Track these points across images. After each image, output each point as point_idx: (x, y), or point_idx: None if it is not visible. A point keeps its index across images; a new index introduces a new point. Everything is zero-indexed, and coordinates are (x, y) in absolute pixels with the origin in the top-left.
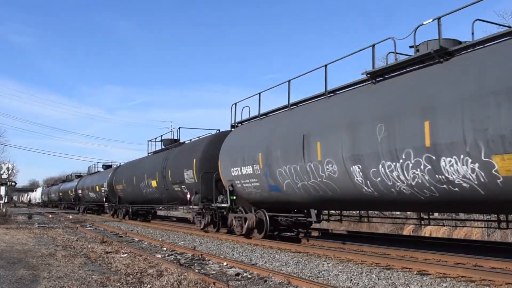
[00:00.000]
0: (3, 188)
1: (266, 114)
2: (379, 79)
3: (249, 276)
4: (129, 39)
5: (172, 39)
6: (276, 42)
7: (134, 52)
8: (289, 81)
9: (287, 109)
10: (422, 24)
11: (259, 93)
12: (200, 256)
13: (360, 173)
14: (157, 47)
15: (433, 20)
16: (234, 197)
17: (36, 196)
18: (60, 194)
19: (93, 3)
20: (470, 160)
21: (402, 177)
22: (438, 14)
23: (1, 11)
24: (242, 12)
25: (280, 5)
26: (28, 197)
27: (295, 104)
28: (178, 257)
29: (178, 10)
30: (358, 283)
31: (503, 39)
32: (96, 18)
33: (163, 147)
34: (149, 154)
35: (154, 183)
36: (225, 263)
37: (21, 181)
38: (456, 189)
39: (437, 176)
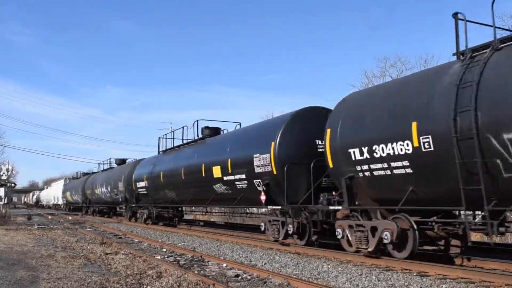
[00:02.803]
0: (2, 189)
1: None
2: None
3: (249, 277)
4: (129, 39)
5: (172, 39)
6: (278, 42)
7: (134, 53)
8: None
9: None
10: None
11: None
12: (200, 257)
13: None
14: (157, 47)
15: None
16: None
17: (53, 195)
18: (130, 189)
19: (93, 3)
20: None
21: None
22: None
23: (1, 11)
24: (242, 11)
25: (281, 5)
26: (35, 197)
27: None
28: (177, 258)
29: (178, 11)
30: (357, 285)
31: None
32: (96, 19)
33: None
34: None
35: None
36: (224, 264)
37: (21, 182)
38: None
39: None
